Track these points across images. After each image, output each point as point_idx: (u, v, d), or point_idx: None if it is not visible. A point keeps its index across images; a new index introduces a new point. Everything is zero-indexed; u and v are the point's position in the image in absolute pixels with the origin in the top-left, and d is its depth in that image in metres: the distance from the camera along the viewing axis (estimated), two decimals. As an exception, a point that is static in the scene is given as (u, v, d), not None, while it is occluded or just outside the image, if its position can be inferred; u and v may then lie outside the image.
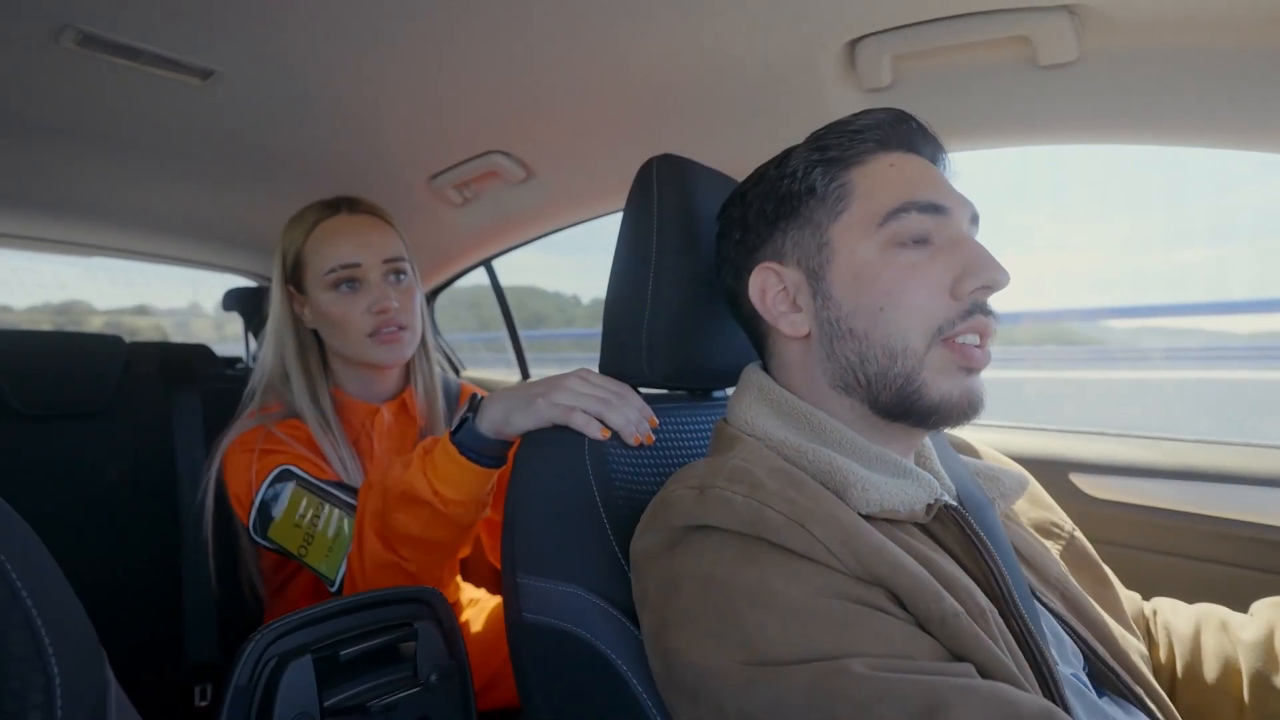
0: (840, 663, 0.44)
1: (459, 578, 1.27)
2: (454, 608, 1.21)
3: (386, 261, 1.07)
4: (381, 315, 1.05)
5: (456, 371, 2.12)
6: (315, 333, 1.11)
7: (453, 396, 1.25)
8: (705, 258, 0.74)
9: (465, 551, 1.17)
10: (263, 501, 0.94)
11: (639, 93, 1.04)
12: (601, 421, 0.70)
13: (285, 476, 0.95)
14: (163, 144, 1.25)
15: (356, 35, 0.92)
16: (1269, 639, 0.66)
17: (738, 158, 0.97)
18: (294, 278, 1.08)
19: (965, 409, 0.58)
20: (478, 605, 1.26)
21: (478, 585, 1.34)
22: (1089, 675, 0.61)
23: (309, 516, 0.92)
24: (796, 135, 0.67)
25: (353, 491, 0.95)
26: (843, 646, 0.45)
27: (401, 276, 1.09)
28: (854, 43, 0.88)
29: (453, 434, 0.82)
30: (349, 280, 1.05)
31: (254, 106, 1.12)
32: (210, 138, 1.23)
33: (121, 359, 1.29)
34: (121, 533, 1.24)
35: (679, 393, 0.85)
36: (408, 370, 1.17)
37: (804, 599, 0.47)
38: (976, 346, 0.57)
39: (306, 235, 1.07)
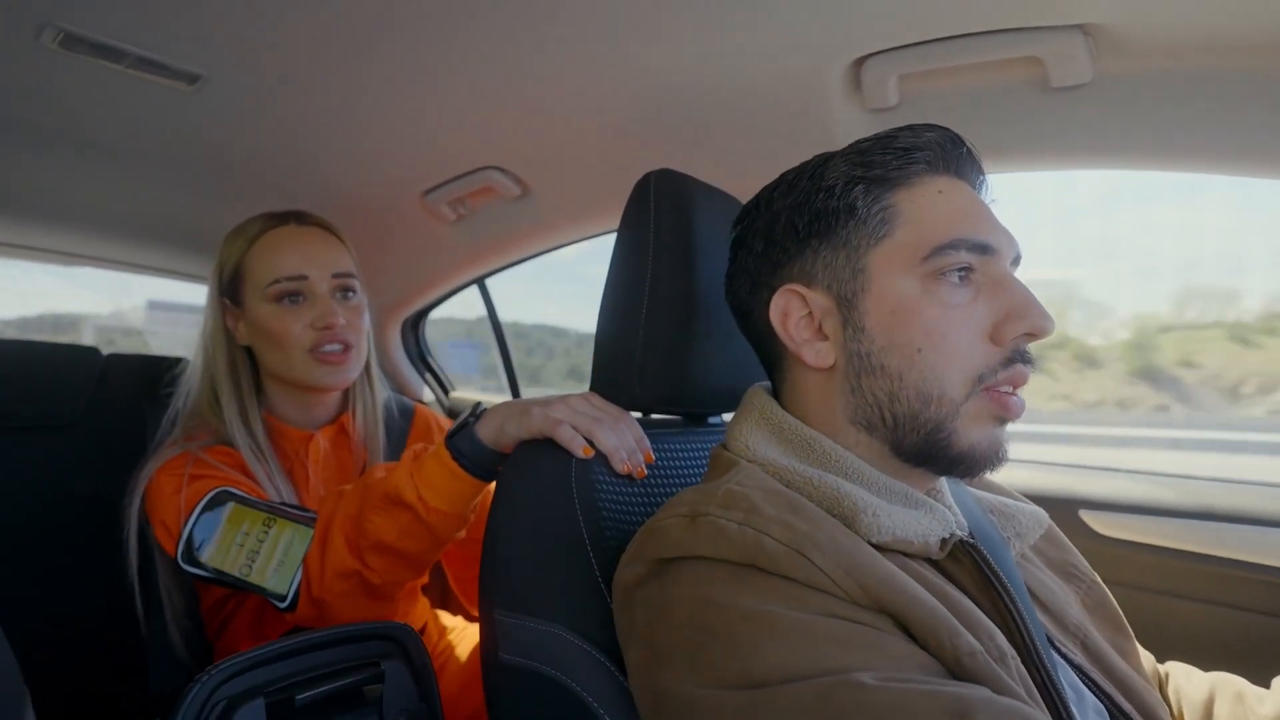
0: (847, 676, 0.40)
1: (425, 599, 1.20)
2: (423, 632, 1.14)
3: (336, 276, 1.01)
4: (326, 331, 0.98)
5: (446, 391, 2.07)
6: (249, 351, 1.04)
7: (400, 420, 1.18)
8: (703, 276, 0.70)
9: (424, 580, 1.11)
10: (194, 527, 0.86)
11: (640, 110, 1.01)
12: (591, 443, 0.67)
13: (222, 499, 0.88)
14: (147, 150, 1.22)
15: (352, 45, 0.89)
16: None
17: (739, 176, 0.95)
18: (230, 290, 1.02)
19: (992, 459, 0.54)
20: (455, 633, 1.18)
21: (455, 614, 1.27)
22: None
23: (253, 535, 0.85)
24: (799, 155, 0.64)
25: (301, 508, 0.89)
26: (848, 664, 0.41)
27: (350, 294, 1.04)
28: (860, 61, 0.85)
29: (449, 437, 0.79)
30: (293, 294, 0.99)
31: (243, 114, 1.09)
32: (197, 145, 1.20)
33: (97, 371, 1.25)
34: (89, 551, 1.18)
35: (674, 418, 0.81)
36: (346, 395, 1.10)
37: (806, 618, 0.43)
38: (1012, 395, 0.54)
39: (249, 245, 1.01)
